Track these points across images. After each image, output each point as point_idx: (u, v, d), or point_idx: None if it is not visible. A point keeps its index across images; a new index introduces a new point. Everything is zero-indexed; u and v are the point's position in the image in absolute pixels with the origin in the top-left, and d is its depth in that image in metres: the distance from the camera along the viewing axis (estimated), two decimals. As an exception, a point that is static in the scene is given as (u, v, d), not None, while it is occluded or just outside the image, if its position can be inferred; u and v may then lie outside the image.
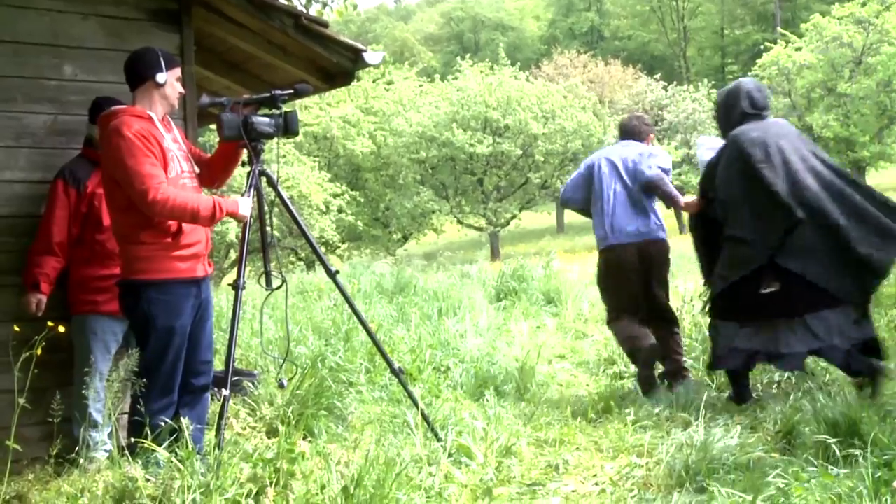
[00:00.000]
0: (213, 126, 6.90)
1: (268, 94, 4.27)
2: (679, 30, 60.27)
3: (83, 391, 3.79)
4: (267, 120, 4.19)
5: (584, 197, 5.98)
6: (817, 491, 3.22)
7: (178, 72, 4.08)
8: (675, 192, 5.67)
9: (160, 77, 3.97)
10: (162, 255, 3.83)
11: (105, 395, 3.87)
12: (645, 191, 5.73)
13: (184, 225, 3.90)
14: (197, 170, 4.15)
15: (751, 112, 5.11)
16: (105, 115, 3.97)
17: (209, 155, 4.33)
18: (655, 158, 5.79)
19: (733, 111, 5.17)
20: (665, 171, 5.77)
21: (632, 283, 5.69)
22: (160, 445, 3.51)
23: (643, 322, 5.68)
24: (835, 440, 3.71)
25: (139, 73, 3.99)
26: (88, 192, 4.29)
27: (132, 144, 3.75)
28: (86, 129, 4.46)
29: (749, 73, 38.05)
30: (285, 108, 4.29)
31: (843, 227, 4.67)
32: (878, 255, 4.66)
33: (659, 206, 5.88)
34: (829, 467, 3.49)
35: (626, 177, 5.75)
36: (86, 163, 4.37)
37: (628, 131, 6.05)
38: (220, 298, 9.24)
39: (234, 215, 4.03)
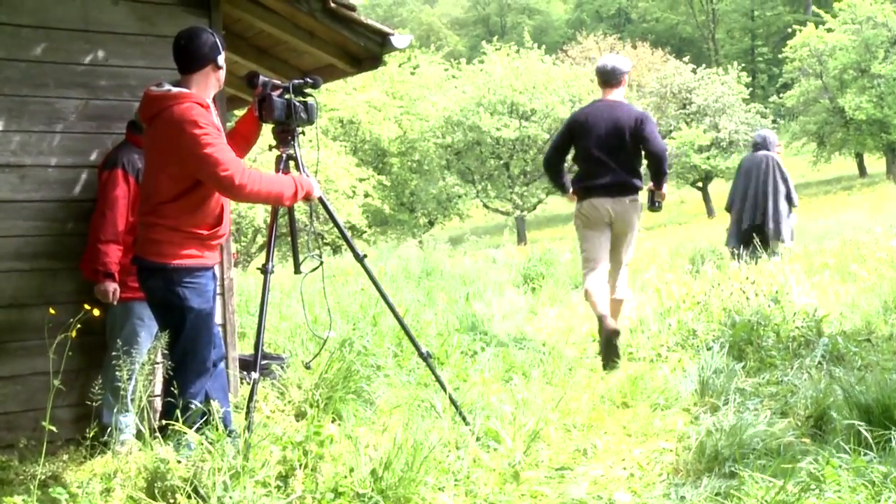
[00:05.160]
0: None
1: (311, 80, 4.28)
2: (708, 11, 59.62)
3: (117, 374, 3.83)
4: (302, 106, 4.21)
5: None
6: (850, 476, 3.18)
7: (224, 54, 3.97)
8: None
9: (221, 59, 3.89)
10: (197, 244, 3.83)
11: (137, 378, 3.91)
12: None
13: (224, 218, 3.92)
14: None
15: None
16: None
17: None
18: None
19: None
20: None
21: None
22: (191, 427, 3.54)
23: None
24: (867, 425, 3.67)
25: (200, 56, 3.82)
26: None
27: (207, 133, 3.65)
28: (120, 114, 4.50)
29: (780, 55, 37.60)
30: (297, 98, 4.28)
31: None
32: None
33: None
34: (862, 452, 3.46)
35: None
36: (137, 150, 4.39)
37: None
38: (248, 282, 9.31)
39: (308, 195, 4.06)
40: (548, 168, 6.58)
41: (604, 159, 6.14)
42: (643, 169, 6.36)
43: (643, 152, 6.21)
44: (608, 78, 6.33)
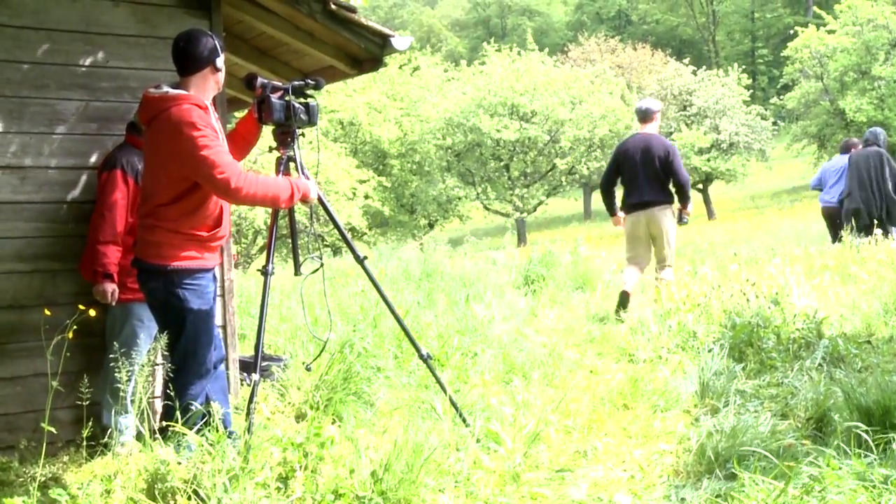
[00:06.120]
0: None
1: (312, 82, 4.28)
2: (708, 13, 59.63)
3: (116, 375, 3.83)
4: (302, 108, 4.21)
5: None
6: (850, 479, 3.18)
7: (223, 56, 3.98)
8: None
9: (220, 61, 3.89)
10: (196, 245, 3.84)
11: (137, 379, 3.91)
12: None
13: (223, 219, 3.92)
14: None
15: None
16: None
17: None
18: None
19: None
20: None
21: None
22: (191, 429, 3.54)
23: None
24: (867, 427, 3.67)
25: (199, 58, 3.82)
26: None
27: (204, 135, 3.66)
28: (121, 115, 4.50)
29: (780, 57, 37.58)
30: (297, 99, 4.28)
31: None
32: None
33: None
34: (862, 455, 3.46)
35: None
36: (136, 151, 4.39)
37: None
38: (249, 284, 9.31)
39: (305, 198, 4.05)
40: (602, 193, 8.18)
41: (640, 181, 7.72)
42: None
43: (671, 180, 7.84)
44: (643, 116, 8.04)
